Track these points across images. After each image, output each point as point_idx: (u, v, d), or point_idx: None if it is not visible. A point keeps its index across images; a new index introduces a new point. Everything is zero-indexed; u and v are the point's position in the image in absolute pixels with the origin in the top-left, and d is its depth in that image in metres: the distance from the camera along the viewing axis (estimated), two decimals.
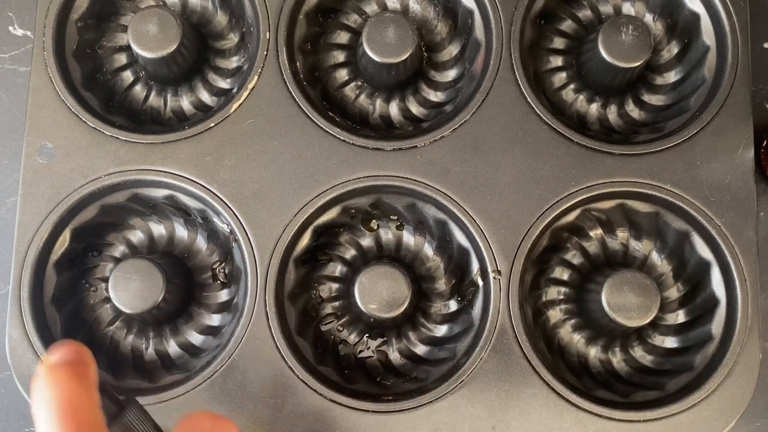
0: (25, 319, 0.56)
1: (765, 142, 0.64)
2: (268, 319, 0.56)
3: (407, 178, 0.58)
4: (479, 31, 0.62)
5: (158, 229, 0.62)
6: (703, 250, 0.59)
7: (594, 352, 0.60)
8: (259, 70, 0.60)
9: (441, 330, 0.60)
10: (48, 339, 0.57)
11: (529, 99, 0.59)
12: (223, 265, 0.61)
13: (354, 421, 0.55)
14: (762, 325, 0.57)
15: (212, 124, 0.59)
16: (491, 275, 0.57)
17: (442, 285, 0.61)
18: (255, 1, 0.60)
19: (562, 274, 0.61)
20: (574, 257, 0.61)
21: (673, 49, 0.63)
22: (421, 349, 0.60)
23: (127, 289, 0.55)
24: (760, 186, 0.66)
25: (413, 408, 0.55)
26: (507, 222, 0.58)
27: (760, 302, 0.57)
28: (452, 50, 0.64)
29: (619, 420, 0.55)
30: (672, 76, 0.63)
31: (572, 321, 0.60)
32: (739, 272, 0.57)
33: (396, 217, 0.61)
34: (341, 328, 0.61)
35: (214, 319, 0.60)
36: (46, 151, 0.59)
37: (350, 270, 0.61)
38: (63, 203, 0.58)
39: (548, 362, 0.57)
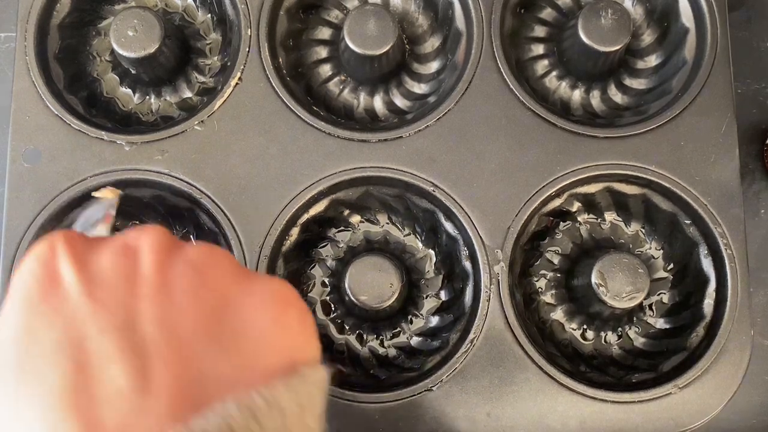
0: None
1: None
2: None
3: (394, 169, 0.58)
4: (460, 21, 0.62)
5: None
6: (691, 230, 0.59)
7: (586, 337, 0.60)
8: (242, 67, 0.60)
9: (433, 320, 0.60)
10: None
11: (511, 86, 0.59)
12: None
13: (348, 413, 0.55)
14: (753, 311, 0.57)
15: (196, 122, 0.59)
16: (481, 263, 0.57)
17: (432, 275, 0.61)
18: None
19: (552, 258, 0.61)
20: (562, 242, 0.61)
21: (654, 32, 0.64)
22: (414, 341, 0.60)
23: None
24: (762, 183, 0.66)
25: (408, 398, 0.55)
26: (494, 209, 0.58)
27: (749, 283, 0.57)
28: (434, 42, 0.64)
29: (615, 402, 0.55)
30: (653, 60, 0.63)
31: (563, 306, 0.60)
32: (727, 250, 0.57)
33: (384, 209, 0.61)
34: (333, 322, 0.61)
35: None
36: (30, 155, 0.59)
37: (340, 263, 0.61)
38: (49, 206, 0.58)
39: (541, 347, 0.57)
